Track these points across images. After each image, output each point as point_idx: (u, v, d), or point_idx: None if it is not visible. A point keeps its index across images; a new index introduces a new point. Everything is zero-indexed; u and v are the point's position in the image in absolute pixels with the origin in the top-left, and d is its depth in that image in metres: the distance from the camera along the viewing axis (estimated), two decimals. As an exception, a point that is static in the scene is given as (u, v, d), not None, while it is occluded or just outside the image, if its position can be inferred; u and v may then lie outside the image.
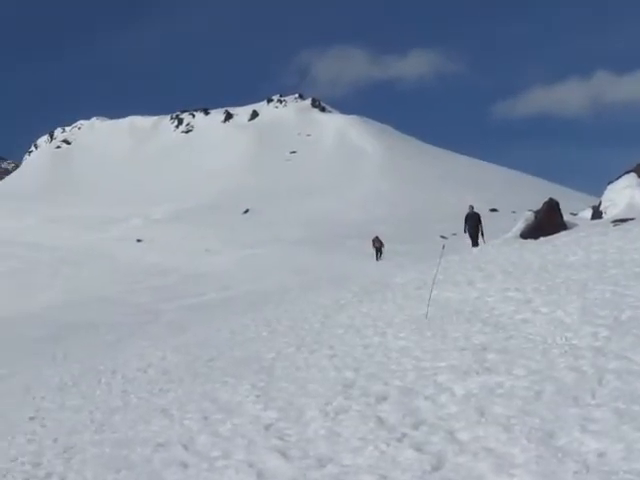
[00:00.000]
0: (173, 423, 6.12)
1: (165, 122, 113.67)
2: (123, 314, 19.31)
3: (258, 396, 6.13)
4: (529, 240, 15.28)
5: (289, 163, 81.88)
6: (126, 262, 37.14)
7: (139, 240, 44.87)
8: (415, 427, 4.44)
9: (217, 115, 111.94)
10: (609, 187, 18.34)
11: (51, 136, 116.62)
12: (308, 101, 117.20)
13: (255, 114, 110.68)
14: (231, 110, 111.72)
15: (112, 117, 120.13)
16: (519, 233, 17.01)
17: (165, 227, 48.77)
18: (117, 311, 20.40)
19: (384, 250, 29.51)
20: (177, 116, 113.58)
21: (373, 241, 30.17)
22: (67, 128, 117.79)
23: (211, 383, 7.34)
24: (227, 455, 4.77)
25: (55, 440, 6.68)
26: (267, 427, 5.14)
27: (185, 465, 4.84)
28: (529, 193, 56.24)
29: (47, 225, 52.70)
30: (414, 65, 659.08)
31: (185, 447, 5.24)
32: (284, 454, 4.47)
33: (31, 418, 8.02)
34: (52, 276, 34.35)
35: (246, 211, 51.94)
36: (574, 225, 17.06)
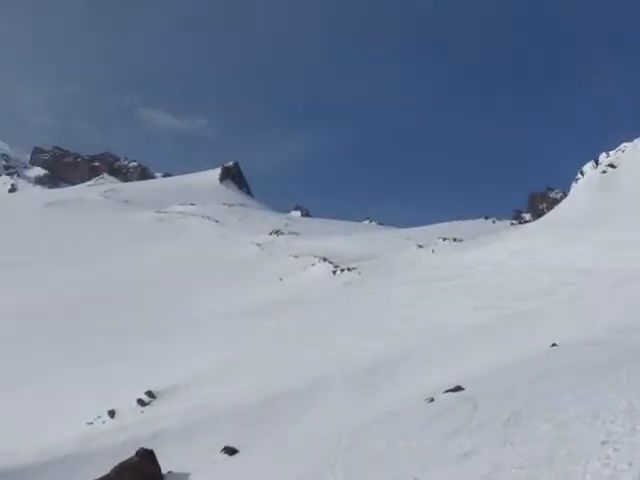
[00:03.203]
0: None
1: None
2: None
3: None
4: None
5: None
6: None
7: None
8: None
9: None
10: None
11: (596, 162, 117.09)
12: None
13: None
14: None
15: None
16: None
17: None
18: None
19: None
20: None
21: None
22: (611, 152, 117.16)
23: None
24: None
25: (630, 464, 6.75)
26: None
27: None
28: None
29: (601, 249, 52.76)
30: None
31: None
32: None
33: (603, 442, 8.19)
34: (610, 300, 34.24)
35: None
36: None
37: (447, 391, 16.11)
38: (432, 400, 15.49)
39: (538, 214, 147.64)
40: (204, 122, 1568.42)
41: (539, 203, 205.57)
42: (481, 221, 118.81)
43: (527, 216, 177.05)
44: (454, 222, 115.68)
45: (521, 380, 14.60)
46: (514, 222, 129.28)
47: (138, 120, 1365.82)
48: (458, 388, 16.03)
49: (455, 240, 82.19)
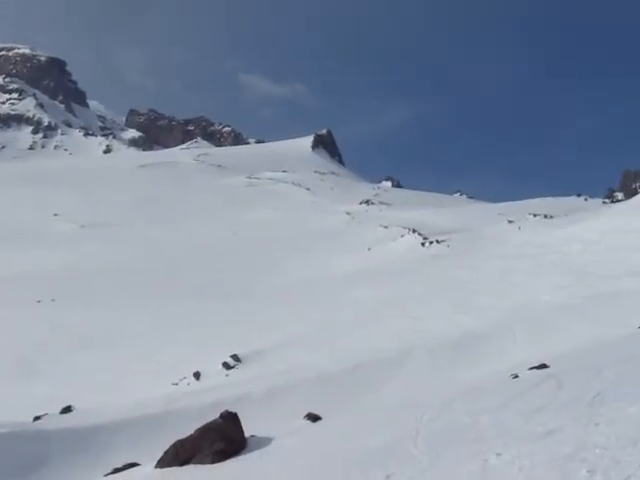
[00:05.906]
0: None
1: None
2: None
3: None
4: None
5: None
6: None
7: None
8: None
9: None
10: None
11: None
12: None
13: None
14: None
15: None
16: None
17: None
18: None
19: None
20: None
21: None
22: None
23: None
24: None
25: None
26: None
27: None
28: None
29: None
30: None
31: None
32: None
33: None
34: None
35: None
36: None
37: (532, 368, 16.02)
38: (516, 376, 15.46)
39: (631, 193, 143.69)
40: (303, 88, 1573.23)
41: (632, 182, 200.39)
42: (573, 198, 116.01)
43: (619, 195, 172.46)
44: (546, 198, 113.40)
45: (607, 360, 14.39)
46: (606, 201, 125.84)
47: (237, 85, 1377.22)
48: (543, 366, 15.92)
49: (546, 217, 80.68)
